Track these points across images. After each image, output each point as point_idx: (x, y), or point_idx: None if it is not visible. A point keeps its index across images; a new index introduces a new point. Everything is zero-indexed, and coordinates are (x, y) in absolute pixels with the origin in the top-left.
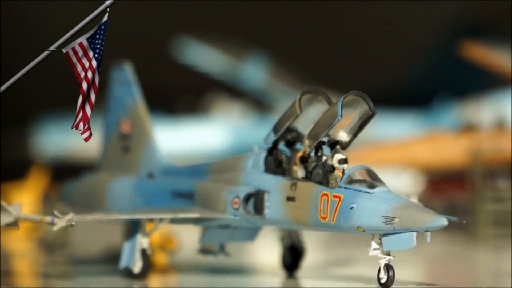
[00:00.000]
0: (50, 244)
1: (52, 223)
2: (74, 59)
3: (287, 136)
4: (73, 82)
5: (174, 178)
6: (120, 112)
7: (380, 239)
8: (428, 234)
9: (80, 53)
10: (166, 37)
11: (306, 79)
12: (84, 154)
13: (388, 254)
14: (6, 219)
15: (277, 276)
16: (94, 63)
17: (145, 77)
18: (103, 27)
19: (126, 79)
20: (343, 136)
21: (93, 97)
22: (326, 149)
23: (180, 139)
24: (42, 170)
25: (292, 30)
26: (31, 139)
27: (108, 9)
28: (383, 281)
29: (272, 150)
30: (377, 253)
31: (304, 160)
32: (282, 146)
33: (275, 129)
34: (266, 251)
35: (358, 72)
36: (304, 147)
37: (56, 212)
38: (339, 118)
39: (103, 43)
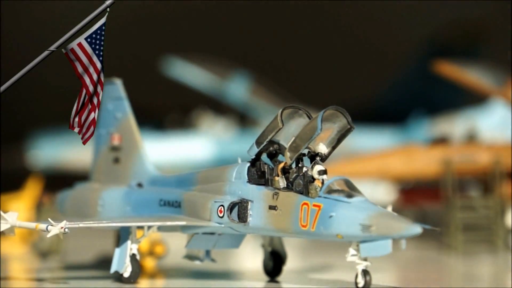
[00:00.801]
0: (44, 251)
1: (47, 230)
2: (73, 58)
3: (269, 148)
4: (64, 101)
5: (162, 187)
6: (111, 125)
7: (357, 245)
8: (403, 241)
9: (80, 52)
10: (157, 57)
11: (285, 96)
12: (76, 165)
13: (365, 260)
14: (2, 226)
15: (260, 281)
16: (98, 64)
17: (137, 94)
18: (103, 27)
19: (117, 94)
20: (322, 148)
21: (95, 100)
22: (306, 160)
23: (168, 152)
24: (37, 181)
25: (271, 51)
26: (28, 153)
27: (107, 9)
28: (360, 285)
29: (255, 161)
30: (354, 259)
31: (285, 171)
32: (264, 157)
33: (258, 142)
34: (250, 257)
35: (337, 90)
36: (285, 159)
37: (50, 220)
38: (319, 131)
39: (103, 43)
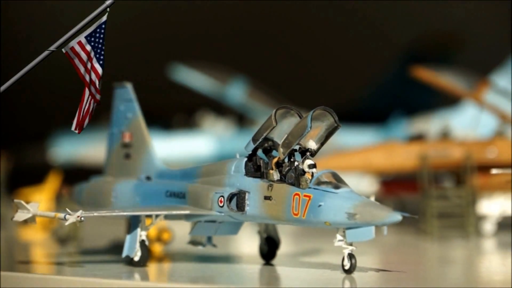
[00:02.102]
0: (62, 237)
1: (64, 219)
2: (73, 57)
3: (264, 144)
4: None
5: (168, 180)
6: (122, 124)
7: (344, 232)
8: (385, 227)
9: (80, 51)
10: (164, 64)
11: (278, 98)
12: (92, 161)
13: (351, 244)
14: (25, 215)
15: (256, 264)
16: (96, 63)
17: (146, 97)
18: (103, 26)
19: (128, 97)
20: (312, 144)
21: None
22: (297, 155)
23: (174, 148)
24: (57, 175)
25: (265, 59)
26: (49, 150)
27: (108, 9)
28: (346, 267)
29: (252, 156)
30: (341, 244)
31: (279, 165)
32: (260, 153)
33: (254, 139)
34: (247, 242)
35: (325, 93)
36: (279, 154)
37: (67, 210)
38: (309, 129)
39: (104, 42)
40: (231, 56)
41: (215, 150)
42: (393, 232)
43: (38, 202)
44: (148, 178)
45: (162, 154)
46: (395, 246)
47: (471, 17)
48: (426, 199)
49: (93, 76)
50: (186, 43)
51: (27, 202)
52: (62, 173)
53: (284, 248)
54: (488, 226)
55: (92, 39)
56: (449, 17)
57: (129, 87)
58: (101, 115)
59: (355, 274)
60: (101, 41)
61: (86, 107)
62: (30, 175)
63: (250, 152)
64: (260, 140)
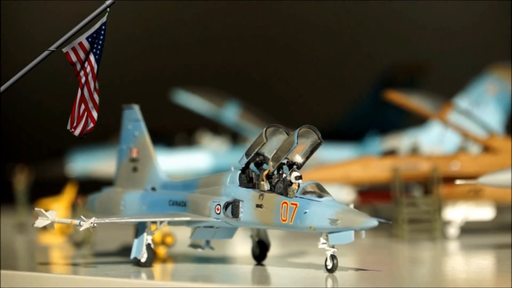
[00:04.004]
0: (78, 241)
1: (79, 225)
2: (74, 58)
3: (256, 159)
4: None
5: (171, 191)
6: (130, 141)
7: (326, 235)
8: (363, 232)
9: (80, 52)
10: (167, 89)
11: (267, 119)
12: (103, 174)
13: (333, 247)
14: (44, 222)
15: (249, 264)
16: (94, 65)
17: (152, 119)
18: (103, 27)
19: (135, 117)
20: (298, 159)
21: (94, 97)
22: (285, 168)
23: (177, 163)
24: (73, 187)
25: (256, 85)
26: (67, 165)
27: (108, 9)
28: (329, 267)
29: (245, 169)
30: (324, 246)
31: (269, 177)
32: (252, 166)
33: (247, 154)
34: (241, 245)
35: (309, 114)
36: (269, 167)
37: (82, 217)
38: (295, 145)
39: (103, 43)
40: (226, 82)
41: (212, 164)
42: (369, 235)
43: (56, 210)
44: (153, 189)
45: (165, 168)
46: (371, 248)
47: (438, 48)
48: (398, 206)
49: (90, 77)
50: (187, 71)
51: (46, 210)
52: (77, 185)
53: (273, 250)
54: (452, 230)
55: (93, 40)
56: (418, 48)
57: (136, 108)
58: (112, 135)
59: (337, 273)
60: (101, 42)
61: (83, 109)
62: (49, 187)
63: (244, 166)
64: (252, 155)
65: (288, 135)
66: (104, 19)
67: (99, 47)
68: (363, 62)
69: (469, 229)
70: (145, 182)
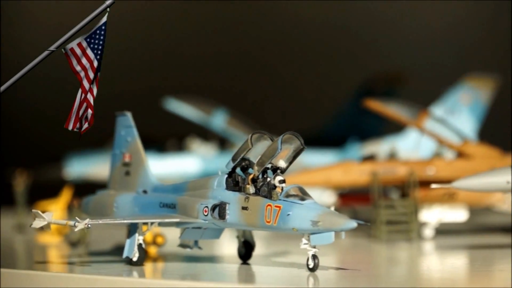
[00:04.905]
0: (73, 241)
1: (74, 226)
2: (73, 59)
3: (242, 163)
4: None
5: (162, 193)
6: (123, 147)
7: (308, 236)
8: (343, 233)
9: (79, 53)
10: (159, 97)
11: (253, 126)
12: (98, 177)
13: (314, 247)
14: (41, 223)
15: (235, 263)
16: (95, 63)
17: (144, 126)
18: (103, 27)
19: (127, 124)
20: (282, 163)
21: (90, 97)
22: (270, 173)
23: (167, 168)
24: (69, 190)
25: (242, 94)
26: (64, 169)
27: (108, 9)
28: (311, 266)
29: (231, 173)
30: (306, 246)
31: (254, 180)
32: (238, 170)
33: (233, 159)
34: (227, 245)
35: (293, 121)
36: (254, 171)
37: (77, 218)
38: (279, 150)
39: (104, 43)
40: (214, 91)
41: (201, 168)
42: (349, 236)
43: (53, 212)
44: (145, 191)
45: (157, 172)
46: (351, 248)
47: (415, 60)
48: (376, 208)
49: (91, 74)
50: (177, 81)
51: (43, 212)
52: (73, 188)
53: (258, 250)
54: (428, 231)
55: (92, 40)
56: (396, 59)
57: (128, 115)
58: (106, 140)
59: (318, 272)
60: (101, 42)
61: (83, 110)
62: (47, 189)
63: (230, 170)
64: (238, 160)
65: (272, 141)
66: (104, 19)
67: (99, 47)
68: (344, 73)
69: (444, 230)
70: (137, 185)
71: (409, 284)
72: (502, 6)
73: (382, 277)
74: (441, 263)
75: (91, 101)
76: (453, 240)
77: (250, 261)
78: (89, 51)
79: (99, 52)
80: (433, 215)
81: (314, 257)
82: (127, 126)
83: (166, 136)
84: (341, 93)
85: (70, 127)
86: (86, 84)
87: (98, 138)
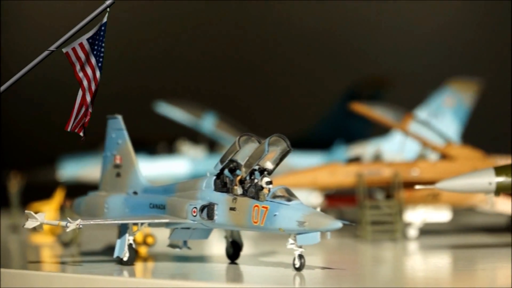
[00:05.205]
0: (66, 241)
1: (66, 226)
2: (74, 59)
3: (230, 165)
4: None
5: (151, 194)
6: (114, 149)
7: (295, 236)
8: (329, 233)
9: (80, 53)
10: (150, 101)
11: (241, 129)
12: (89, 179)
13: (301, 247)
14: (34, 223)
15: (223, 263)
16: (93, 61)
17: (136, 129)
18: (103, 27)
19: (118, 126)
20: (269, 165)
21: (89, 97)
22: (257, 174)
23: (158, 169)
24: (62, 191)
25: (230, 98)
26: (57, 171)
27: (108, 9)
28: (297, 266)
29: (220, 175)
30: (292, 246)
31: (242, 182)
32: (226, 172)
33: (221, 160)
34: (216, 245)
35: (280, 124)
36: (241, 173)
37: (68, 219)
38: (266, 152)
39: (103, 44)
40: (204, 95)
41: (191, 170)
42: (334, 236)
43: (46, 212)
44: (135, 193)
45: (148, 174)
46: (336, 248)
47: (400, 64)
48: (362, 209)
49: (90, 74)
50: (168, 85)
51: (36, 213)
52: (66, 189)
53: (246, 250)
54: (412, 232)
55: (93, 40)
56: (382, 63)
57: (119, 118)
58: (99, 143)
59: (304, 271)
60: (101, 43)
61: (83, 111)
62: (41, 191)
63: (218, 172)
64: (226, 161)
65: (259, 143)
66: (104, 19)
67: (100, 48)
68: (331, 77)
69: (428, 230)
70: (127, 186)
71: (394, 283)
72: (486, 11)
73: (367, 276)
74: (425, 262)
75: (89, 102)
76: (436, 240)
77: (238, 260)
78: (90, 51)
79: (99, 52)
80: (417, 216)
81: (301, 256)
82: (118, 129)
83: (157, 138)
84: (328, 96)
85: (70, 129)
86: (85, 84)
87: (91, 141)
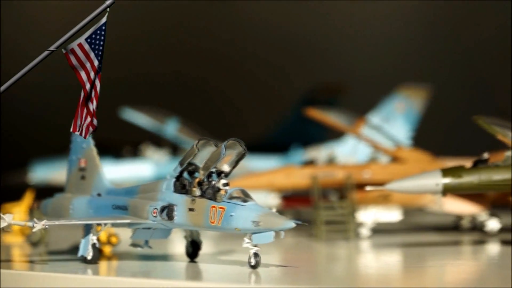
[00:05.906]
0: (34, 241)
1: (33, 226)
2: (73, 59)
3: (188, 168)
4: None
5: (114, 196)
6: (79, 152)
7: (250, 236)
8: (282, 232)
9: (80, 53)
10: (116, 108)
11: (201, 133)
12: (56, 182)
13: (256, 246)
14: (1, 224)
15: (183, 261)
16: (96, 63)
17: (101, 133)
18: (103, 27)
19: None
20: (226, 167)
21: (94, 97)
22: (214, 176)
23: (124, 172)
24: (31, 193)
25: (191, 105)
26: (27, 174)
27: (108, 9)
28: (252, 264)
29: (179, 177)
30: (248, 245)
31: (200, 183)
32: (185, 174)
33: (181, 163)
34: (176, 244)
35: (238, 128)
36: (200, 175)
37: (35, 219)
38: (223, 155)
39: (104, 43)
40: (167, 102)
41: (155, 173)
42: (290, 235)
43: (16, 214)
44: (99, 194)
45: (114, 177)
46: (292, 247)
47: (353, 71)
48: (317, 210)
49: (92, 74)
50: (132, 91)
51: (4, 214)
52: (36, 191)
53: (205, 249)
54: (364, 231)
55: (93, 40)
56: (336, 70)
57: None
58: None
59: (260, 269)
60: (101, 43)
61: (86, 112)
62: (12, 193)
63: (178, 174)
64: (185, 164)
65: (217, 147)
66: (104, 19)
67: (100, 48)
68: (288, 83)
69: (379, 229)
70: (91, 188)
71: (347, 280)
72: (435, 20)
73: (321, 273)
74: (377, 260)
75: (90, 104)
76: (388, 239)
77: (197, 259)
78: (89, 51)
79: (99, 52)
80: (369, 216)
81: (256, 255)
82: None
83: (122, 143)
84: (285, 102)
85: (77, 131)
86: (87, 84)
87: (61, 144)
